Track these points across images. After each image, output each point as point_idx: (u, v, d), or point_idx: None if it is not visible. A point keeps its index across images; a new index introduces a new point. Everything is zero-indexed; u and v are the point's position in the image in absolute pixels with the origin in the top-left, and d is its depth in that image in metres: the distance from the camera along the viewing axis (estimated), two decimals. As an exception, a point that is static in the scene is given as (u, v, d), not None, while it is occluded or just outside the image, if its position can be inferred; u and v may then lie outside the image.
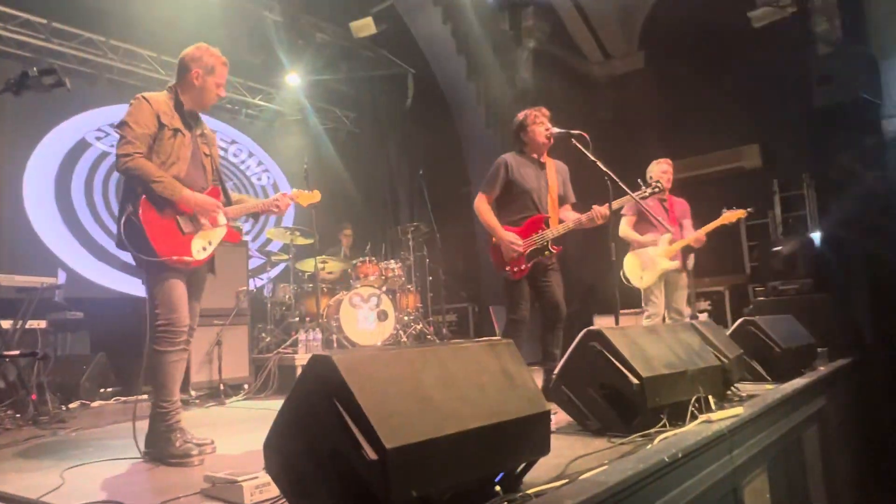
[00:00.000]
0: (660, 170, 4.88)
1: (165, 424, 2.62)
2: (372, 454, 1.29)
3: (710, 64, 7.62)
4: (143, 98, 2.70)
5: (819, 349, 4.59)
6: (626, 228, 4.88)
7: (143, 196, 2.59)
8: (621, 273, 4.83)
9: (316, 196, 3.28)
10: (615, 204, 3.50)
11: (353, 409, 1.33)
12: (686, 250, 4.81)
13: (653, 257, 4.77)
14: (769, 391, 3.31)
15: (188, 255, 2.68)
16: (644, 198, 3.75)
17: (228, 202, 2.95)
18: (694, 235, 4.75)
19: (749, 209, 4.93)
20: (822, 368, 4.27)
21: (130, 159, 2.57)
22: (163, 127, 2.69)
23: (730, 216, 4.77)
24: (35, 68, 1.56)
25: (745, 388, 3.36)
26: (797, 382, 3.61)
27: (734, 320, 4.48)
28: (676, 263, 4.76)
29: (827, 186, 6.64)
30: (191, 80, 2.79)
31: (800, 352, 4.14)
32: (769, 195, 7.53)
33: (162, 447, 2.59)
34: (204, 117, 3.01)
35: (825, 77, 5.91)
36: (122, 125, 2.64)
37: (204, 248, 2.77)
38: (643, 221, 4.81)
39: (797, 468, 3.38)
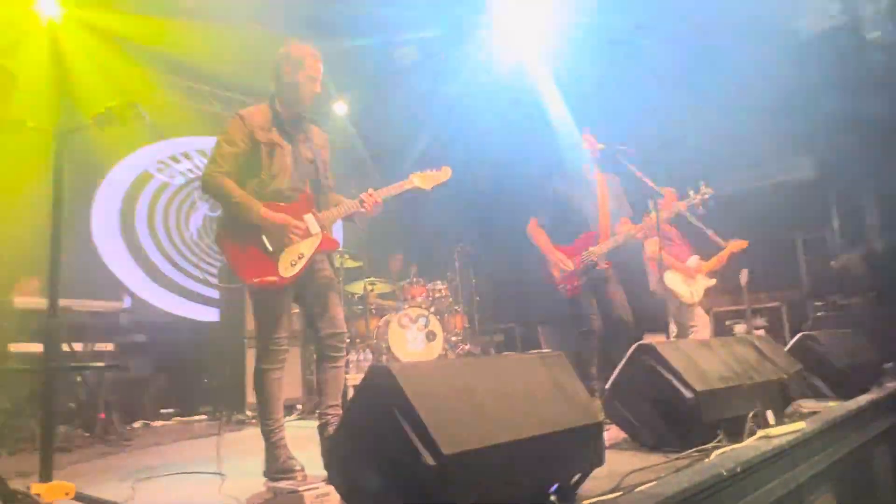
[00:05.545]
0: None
1: (270, 442, 2.61)
2: (431, 460, 1.33)
3: (755, 74, 7.48)
4: (240, 116, 2.69)
5: (886, 365, 4.39)
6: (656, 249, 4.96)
7: (220, 227, 2.65)
8: (670, 292, 4.85)
9: (446, 173, 3.08)
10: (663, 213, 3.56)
11: (412, 417, 1.38)
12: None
13: (693, 274, 4.91)
14: (832, 408, 3.19)
15: (273, 275, 2.59)
16: (693, 204, 3.84)
17: (325, 208, 2.86)
18: (715, 259, 4.93)
19: (747, 241, 5.03)
20: (890, 385, 4.08)
21: (211, 177, 2.61)
22: (258, 144, 2.65)
23: (733, 246, 4.93)
24: (116, 103, 1.72)
25: (807, 404, 3.26)
26: (862, 399, 3.47)
27: (793, 337, 4.36)
28: (714, 281, 4.93)
29: (891, 195, 6.38)
30: (282, 79, 2.72)
31: (864, 368, 3.98)
32: (826, 207, 7.28)
33: (268, 463, 2.60)
34: None
35: (881, 84, 5.76)
36: (216, 143, 2.66)
37: (293, 264, 2.65)
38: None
39: (866, 487, 3.23)
